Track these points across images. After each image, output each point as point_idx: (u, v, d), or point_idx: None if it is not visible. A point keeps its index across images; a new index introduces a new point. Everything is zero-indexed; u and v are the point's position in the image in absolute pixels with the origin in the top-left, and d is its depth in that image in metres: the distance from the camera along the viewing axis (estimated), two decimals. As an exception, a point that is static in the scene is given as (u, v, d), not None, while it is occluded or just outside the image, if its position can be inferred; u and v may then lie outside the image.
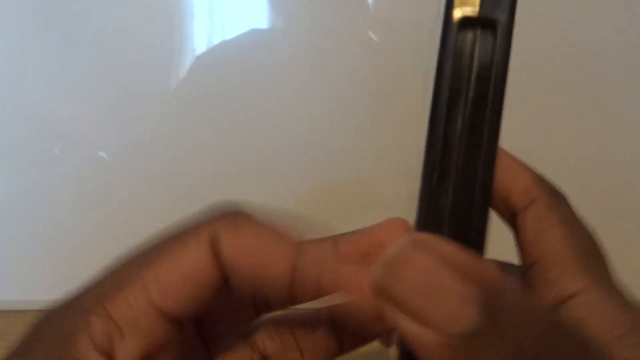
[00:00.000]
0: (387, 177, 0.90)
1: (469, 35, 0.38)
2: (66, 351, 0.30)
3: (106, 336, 0.30)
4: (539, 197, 0.39)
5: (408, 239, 0.26)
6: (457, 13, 0.37)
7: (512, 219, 0.39)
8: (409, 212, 0.87)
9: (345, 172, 0.89)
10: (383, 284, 0.26)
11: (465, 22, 0.37)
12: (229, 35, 0.81)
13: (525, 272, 0.37)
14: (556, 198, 0.41)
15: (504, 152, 0.39)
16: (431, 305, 0.24)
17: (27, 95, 0.83)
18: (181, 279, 0.32)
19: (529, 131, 0.87)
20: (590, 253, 0.37)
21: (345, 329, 0.37)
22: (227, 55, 0.82)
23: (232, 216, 0.35)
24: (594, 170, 0.89)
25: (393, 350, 0.35)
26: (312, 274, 0.32)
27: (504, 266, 0.39)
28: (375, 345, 0.38)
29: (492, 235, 0.43)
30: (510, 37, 0.37)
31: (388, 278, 0.25)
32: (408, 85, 0.83)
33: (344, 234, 0.37)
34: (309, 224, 0.89)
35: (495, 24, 0.36)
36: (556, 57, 0.82)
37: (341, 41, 0.82)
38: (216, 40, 0.81)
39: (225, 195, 0.87)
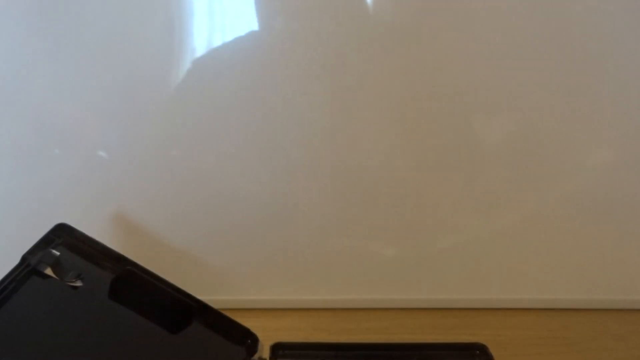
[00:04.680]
0: (387, 172, 0.90)
1: None
2: None
3: None
4: None
5: None
6: None
7: None
8: (408, 206, 0.87)
9: (345, 169, 0.89)
10: None
11: None
12: (229, 36, 0.81)
13: None
14: None
15: None
16: None
17: (27, 95, 0.83)
18: None
19: (528, 131, 0.88)
20: None
21: None
22: (227, 56, 0.82)
23: None
24: (594, 169, 0.90)
25: None
26: None
27: None
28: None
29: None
30: None
31: None
32: (408, 84, 0.84)
33: None
34: (304, 221, 0.89)
35: None
36: (555, 57, 0.82)
37: (341, 41, 0.82)
38: (216, 40, 0.81)
39: (224, 193, 0.87)
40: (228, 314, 0.80)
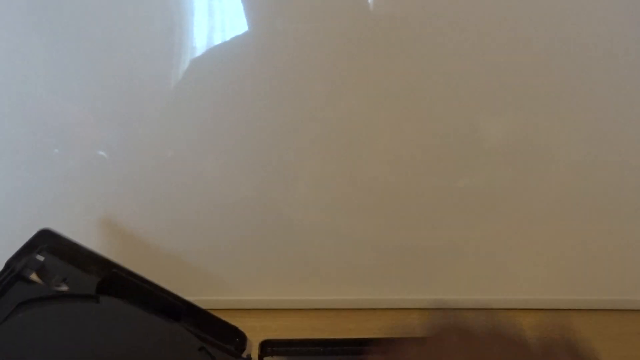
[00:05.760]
0: (387, 173, 0.90)
1: None
2: None
3: None
4: None
5: None
6: None
7: None
8: (408, 206, 0.86)
9: (344, 169, 0.90)
10: None
11: None
12: (229, 36, 0.81)
13: None
14: None
15: None
16: None
17: (27, 95, 0.83)
18: None
19: (529, 130, 0.87)
20: None
21: None
22: (227, 56, 0.82)
23: None
24: (594, 169, 0.89)
25: None
26: None
27: None
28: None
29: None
30: None
31: None
32: (409, 86, 0.83)
33: None
34: (303, 221, 0.89)
35: None
36: (556, 57, 0.81)
37: (342, 42, 0.82)
38: (216, 40, 0.81)
39: (223, 193, 0.87)
40: (227, 314, 0.80)
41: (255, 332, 0.82)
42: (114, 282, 0.72)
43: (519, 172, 0.89)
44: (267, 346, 0.82)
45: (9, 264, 0.66)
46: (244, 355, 0.79)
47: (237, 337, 0.80)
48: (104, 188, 0.90)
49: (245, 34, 0.81)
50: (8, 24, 0.79)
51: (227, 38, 0.81)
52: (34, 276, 0.67)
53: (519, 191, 0.91)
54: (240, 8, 0.79)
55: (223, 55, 0.82)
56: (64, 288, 0.68)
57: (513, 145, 0.88)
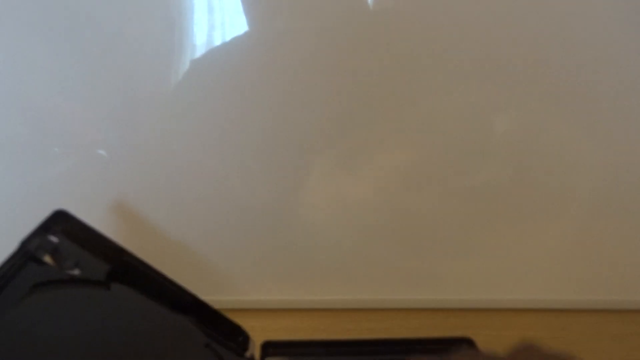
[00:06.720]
0: (387, 172, 0.90)
1: None
2: None
3: None
4: None
5: None
6: None
7: None
8: (408, 205, 0.86)
9: (345, 169, 0.90)
10: None
11: None
12: (229, 34, 0.81)
13: None
14: None
15: None
16: None
17: (27, 94, 0.82)
18: None
19: (529, 130, 0.88)
20: None
21: None
22: (227, 54, 0.82)
23: None
24: (594, 169, 0.90)
25: None
26: None
27: None
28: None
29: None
30: None
31: None
32: (410, 85, 0.84)
33: None
34: (304, 221, 0.88)
35: None
36: (557, 57, 0.82)
37: (343, 41, 0.82)
38: (216, 39, 0.81)
39: (224, 193, 0.87)
40: (228, 314, 0.80)
41: (255, 332, 0.82)
42: (125, 269, 0.72)
43: (519, 172, 0.90)
44: (268, 347, 0.81)
45: (23, 244, 0.65)
46: (247, 354, 0.78)
47: (240, 336, 0.80)
48: (104, 188, 0.89)
49: (245, 33, 0.81)
50: (8, 24, 0.79)
51: (227, 37, 0.81)
52: (47, 258, 0.66)
53: (519, 192, 0.91)
54: (240, 7, 0.80)
55: (223, 54, 0.82)
56: (76, 272, 0.67)
57: (513, 146, 0.88)
